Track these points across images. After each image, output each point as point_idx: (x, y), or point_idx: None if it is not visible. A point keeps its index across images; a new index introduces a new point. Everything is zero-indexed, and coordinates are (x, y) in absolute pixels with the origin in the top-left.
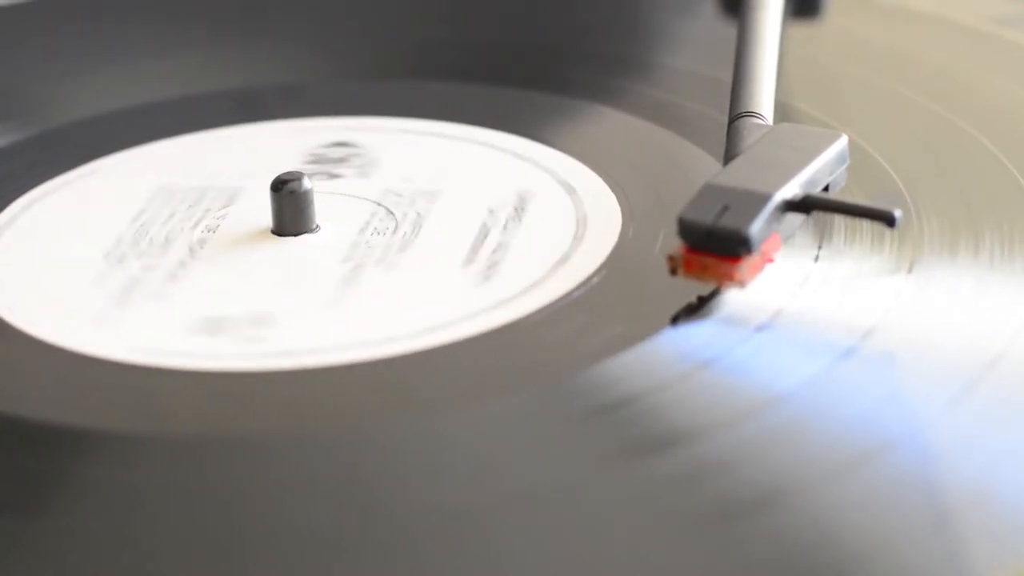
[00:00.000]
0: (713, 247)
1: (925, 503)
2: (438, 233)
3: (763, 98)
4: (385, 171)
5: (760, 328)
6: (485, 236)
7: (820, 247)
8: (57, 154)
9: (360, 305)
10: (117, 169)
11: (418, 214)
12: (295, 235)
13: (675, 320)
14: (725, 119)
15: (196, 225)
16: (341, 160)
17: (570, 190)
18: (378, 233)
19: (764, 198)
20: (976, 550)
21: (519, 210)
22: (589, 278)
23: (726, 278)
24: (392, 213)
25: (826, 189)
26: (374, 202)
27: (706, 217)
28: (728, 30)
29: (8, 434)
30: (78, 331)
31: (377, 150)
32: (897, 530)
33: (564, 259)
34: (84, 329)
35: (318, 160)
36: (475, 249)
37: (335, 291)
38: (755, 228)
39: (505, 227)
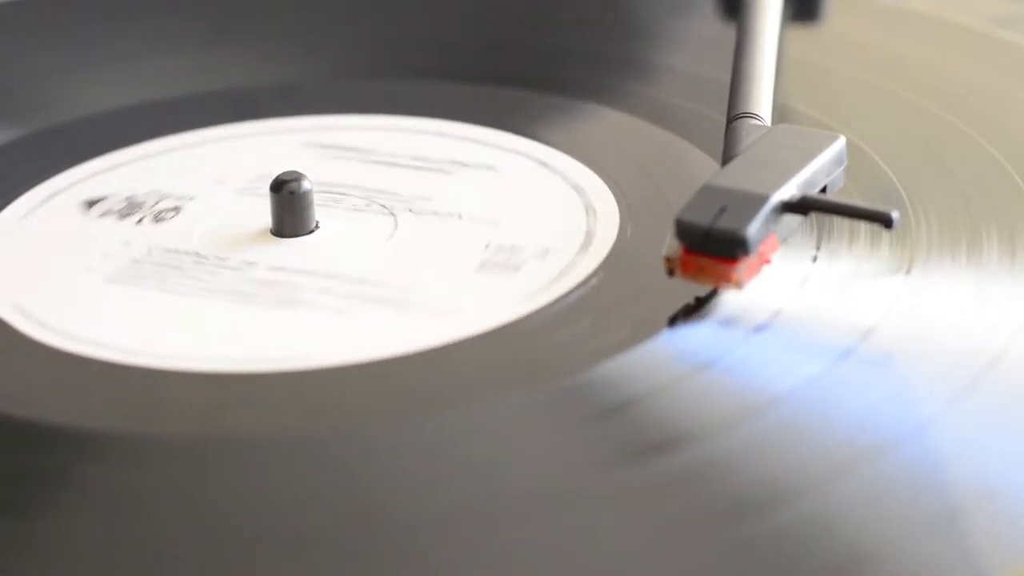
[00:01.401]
0: (711, 248)
1: (925, 503)
2: (437, 234)
3: (761, 99)
4: (386, 172)
5: (759, 329)
6: (486, 239)
7: (819, 248)
8: (57, 153)
9: (360, 304)
10: (119, 168)
11: (417, 215)
12: (294, 236)
13: (673, 321)
14: (724, 120)
15: (196, 223)
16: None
17: (574, 189)
18: (376, 234)
19: (762, 199)
20: (977, 550)
21: (519, 212)
22: (588, 278)
23: (723, 279)
24: (392, 214)
25: (824, 190)
26: (377, 203)
27: (704, 218)
28: (727, 31)
29: (8, 434)
30: (79, 331)
31: (378, 153)
32: (897, 530)
33: (569, 264)
34: (85, 329)
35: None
36: (474, 250)
37: (334, 291)
38: (752, 229)
39: (505, 228)
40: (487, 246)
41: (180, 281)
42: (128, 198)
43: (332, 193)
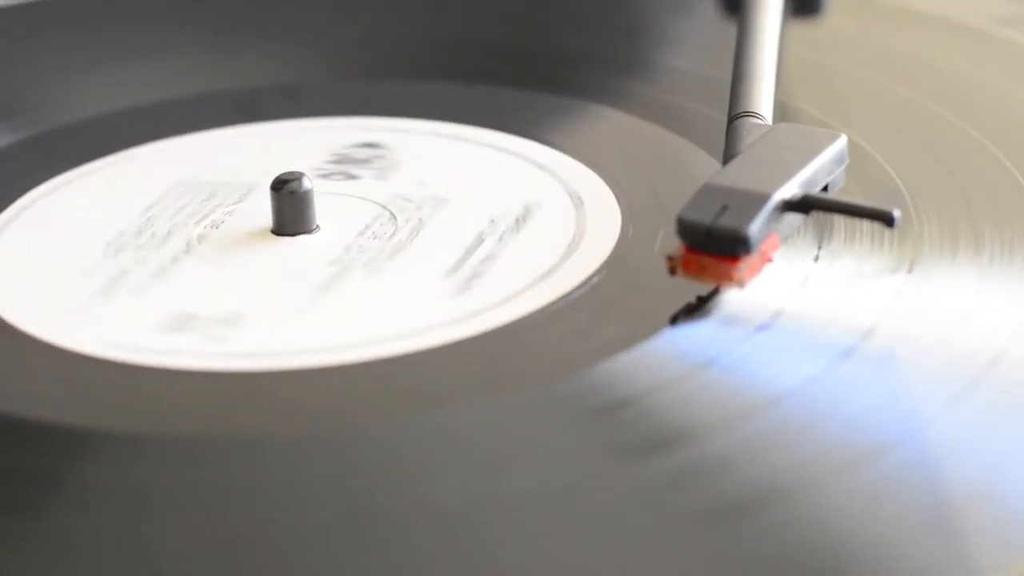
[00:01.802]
0: (712, 247)
1: (925, 503)
2: (436, 235)
3: (762, 98)
4: (402, 174)
5: (760, 328)
6: (484, 237)
7: (820, 247)
8: (58, 154)
9: (359, 304)
10: (121, 167)
11: (420, 219)
12: (294, 235)
13: (674, 320)
14: (725, 119)
15: (200, 221)
16: (364, 161)
17: (575, 196)
18: (375, 237)
19: (763, 198)
20: (976, 549)
21: (519, 213)
22: (589, 278)
23: (725, 278)
24: (394, 216)
25: (825, 189)
26: (381, 205)
27: (705, 217)
28: (728, 30)
29: (8, 434)
30: (79, 331)
31: (400, 152)
32: (897, 530)
33: (563, 259)
34: (85, 329)
35: (342, 160)
36: (467, 255)
37: (336, 289)
38: (754, 228)
39: (505, 229)
40: (487, 246)
41: (179, 279)
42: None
43: (343, 195)
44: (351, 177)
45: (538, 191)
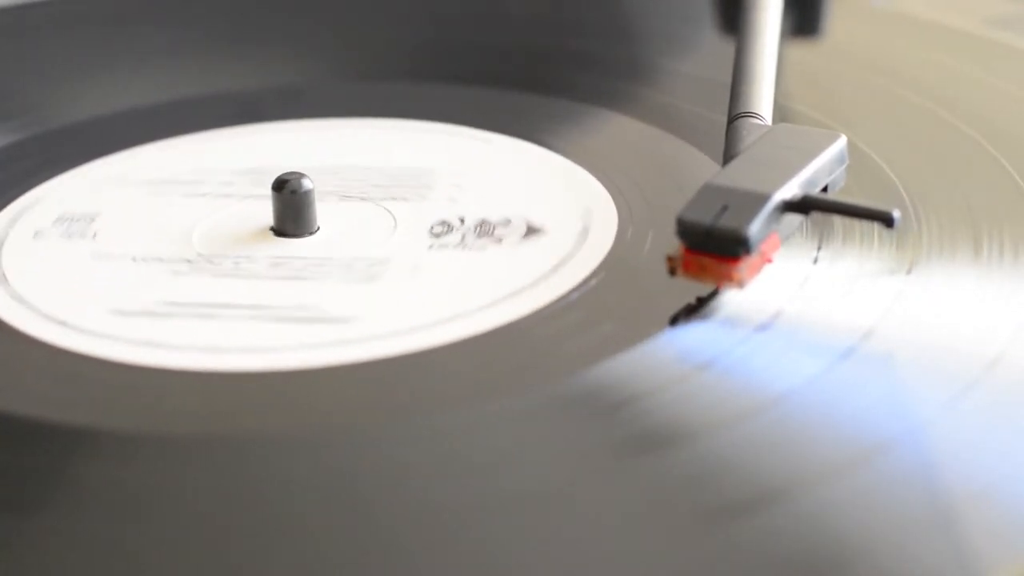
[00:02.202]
0: (712, 247)
1: (925, 503)
2: (435, 234)
3: (762, 98)
4: (388, 175)
5: (760, 328)
6: (484, 238)
7: (820, 248)
8: (57, 155)
9: (360, 304)
10: (119, 168)
11: (416, 215)
12: (296, 235)
13: (674, 321)
14: (724, 121)
15: (199, 223)
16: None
17: (574, 190)
18: (380, 234)
19: (763, 198)
20: (976, 550)
21: (519, 211)
22: (588, 279)
23: (725, 278)
24: (392, 214)
25: (825, 189)
26: (375, 203)
27: (705, 217)
28: (728, 39)
29: (8, 434)
30: (78, 331)
31: (381, 155)
32: (897, 530)
33: (563, 260)
34: (84, 329)
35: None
36: (473, 251)
37: (336, 290)
38: (754, 228)
39: (504, 228)
40: (486, 245)
41: (181, 278)
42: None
43: (335, 194)
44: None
45: (538, 194)
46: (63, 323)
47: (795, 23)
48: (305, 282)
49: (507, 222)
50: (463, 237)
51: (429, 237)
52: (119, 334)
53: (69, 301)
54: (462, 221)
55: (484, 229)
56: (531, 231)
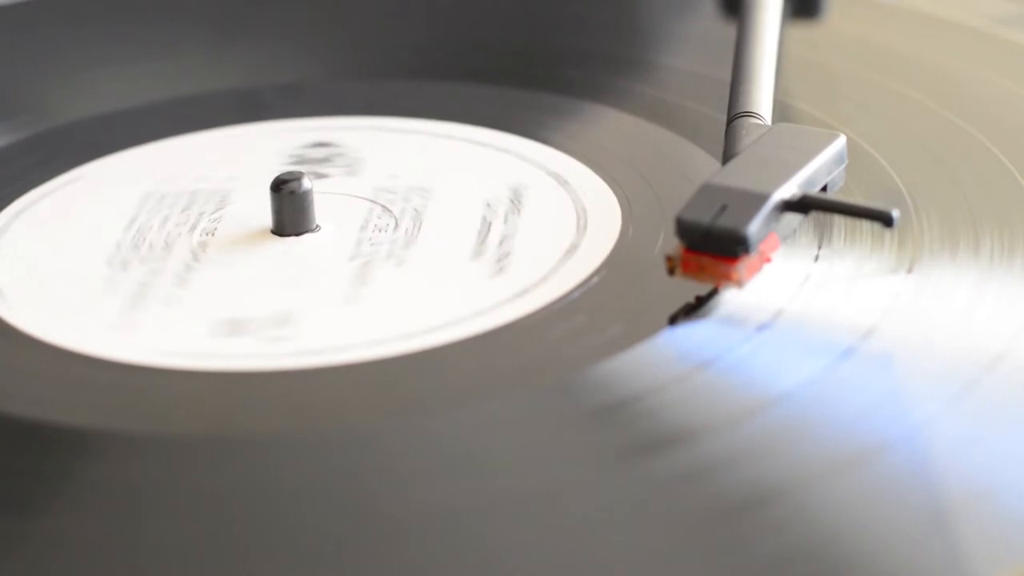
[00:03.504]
0: (711, 247)
1: (925, 503)
2: (434, 234)
3: (762, 98)
4: (373, 169)
5: (760, 328)
6: (485, 236)
7: (820, 247)
8: (57, 154)
9: (360, 305)
10: (114, 171)
11: (416, 211)
12: (296, 235)
13: (673, 320)
14: (724, 119)
15: (193, 228)
16: (324, 160)
17: (566, 186)
18: (379, 231)
19: (762, 198)
20: (976, 550)
21: (520, 211)
22: (589, 278)
23: (724, 278)
24: (390, 210)
25: (824, 189)
26: (369, 200)
27: (704, 217)
28: (728, 30)
29: (8, 434)
30: (77, 331)
31: (359, 149)
32: (897, 530)
33: (564, 259)
34: (83, 328)
35: (300, 161)
36: (474, 250)
37: (335, 291)
38: (753, 228)
39: (505, 229)
40: (485, 245)
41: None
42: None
43: (325, 192)
44: (320, 176)
45: (538, 191)
46: (62, 324)
47: (796, 6)
48: (313, 281)
49: (505, 219)
50: (460, 235)
51: (428, 236)
52: (118, 335)
53: (68, 302)
54: (456, 217)
55: (483, 228)
56: (531, 230)
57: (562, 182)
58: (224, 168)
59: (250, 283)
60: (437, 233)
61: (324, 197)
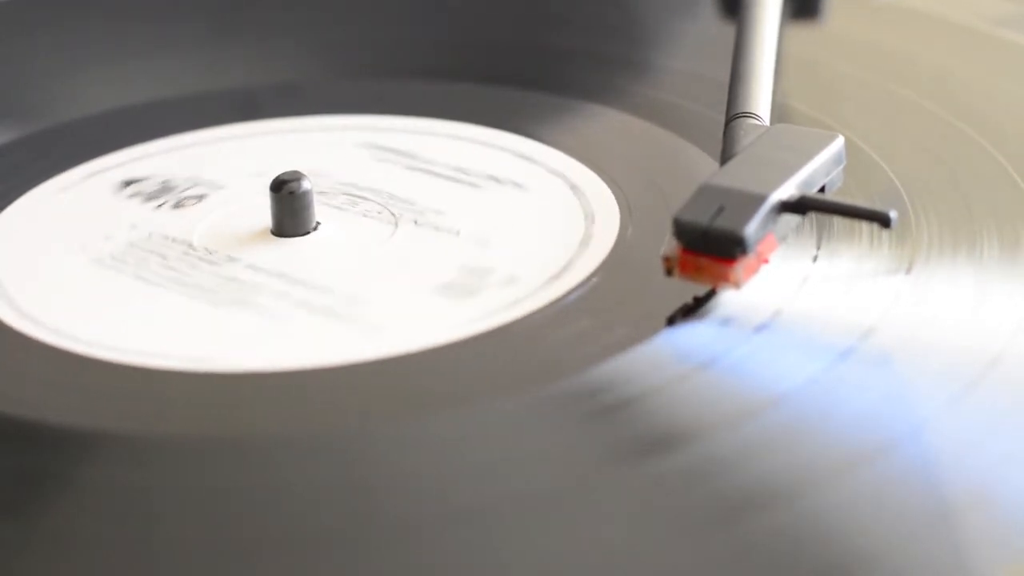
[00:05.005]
0: (709, 248)
1: (925, 503)
2: (437, 234)
3: (760, 99)
4: (387, 174)
5: (759, 328)
6: (484, 238)
7: (819, 247)
8: (57, 153)
9: (360, 304)
10: (118, 168)
11: (418, 214)
12: (295, 235)
13: (671, 321)
14: (723, 119)
15: (195, 225)
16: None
17: (565, 186)
18: (378, 233)
19: (760, 199)
20: (976, 550)
21: (520, 211)
22: (588, 279)
23: (722, 279)
24: (392, 214)
25: (822, 190)
26: (374, 202)
27: (702, 218)
28: (727, 30)
29: (8, 434)
30: (78, 331)
31: (380, 153)
32: (897, 530)
33: (562, 261)
34: (84, 329)
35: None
36: (473, 252)
37: (335, 291)
38: (751, 229)
39: (505, 229)
40: (485, 243)
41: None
42: (164, 182)
43: (337, 194)
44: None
45: (537, 191)
46: (62, 323)
47: (795, 7)
48: (307, 283)
49: (504, 219)
50: (462, 237)
51: (427, 237)
52: (120, 334)
53: (67, 303)
54: (459, 219)
55: (483, 227)
56: (531, 228)
57: (561, 182)
58: (233, 166)
59: (244, 284)
60: (437, 233)
61: (332, 198)
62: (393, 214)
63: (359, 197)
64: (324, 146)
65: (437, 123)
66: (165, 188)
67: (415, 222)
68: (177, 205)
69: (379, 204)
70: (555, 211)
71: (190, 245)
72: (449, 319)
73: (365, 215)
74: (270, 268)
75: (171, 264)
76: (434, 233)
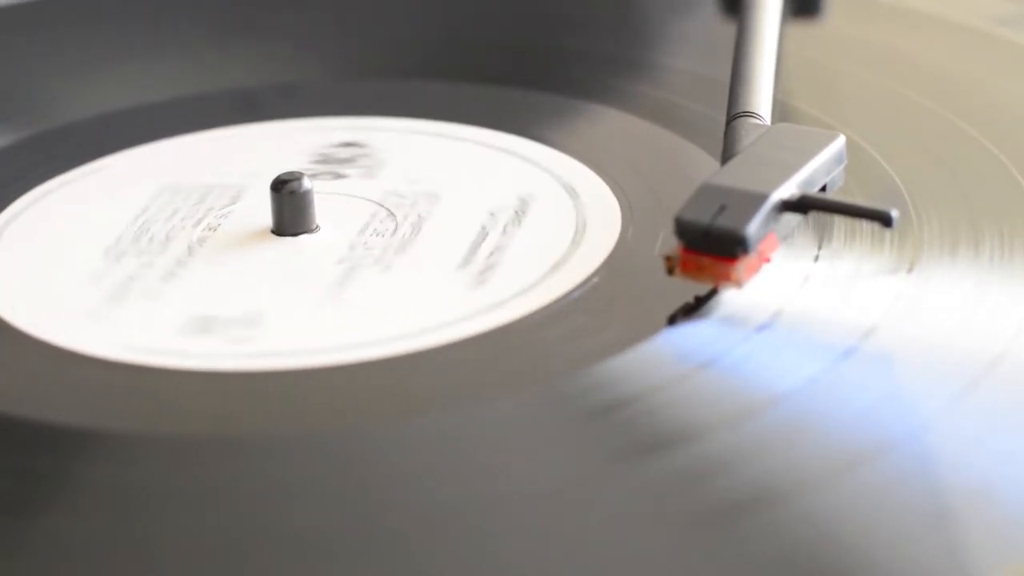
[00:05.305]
0: (710, 247)
1: (925, 503)
2: (437, 234)
3: (761, 98)
4: (390, 172)
5: (760, 328)
6: (484, 237)
7: (820, 247)
8: (57, 154)
9: (359, 305)
10: (119, 168)
11: (419, 216)
12: (295, 235)
13: (672, 320)
14: (724, 119)
15: (198, 224)
16: (348, 160)
17: (571, 192)
18: (377, 234)
19: (761, 198)
20: (976, 550)
21: (519, 211)
22: (589, 278)
23: (723, 278)
24: (393, 214)
25: (823, 189)
26: (376, 203)
27: (703, 217)
28: (728, 30)
29: (8, 434)
30: (79, 331)
31: (385, 151)
32: (897, 530)
33: (564, 260)
34: (85, 329)
35: (325, 160)
36: (473, 250)
37: (330, 291)
38: (752, 228)
39: (505, 228)
40: (486, 247)
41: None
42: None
43: (336, 194)
44: (339, 176)
45: (537, 192)
46: (63, 324)
47: (796, 5)
48: (298, 282)
49: (507, 220)
50: (462, 237)
51: (431, 236)
52: (117, 334)
53: (67, 303)
54: (459, 219)
55: (483, 228)
56: (530, 231)
57: (562, 183)
58: (241, 165)
59: (233, 282)
60: (436, 233)
61: (335, 198)
62: (393, 214)
63: (359, 198)
64: (324, 147)
65: (437, 124)
66: (166, 188)
67: (415, 222)
68: (177, 205)
69: (379, 204)
70: (555, 211)
71: (191, 244)
72: (448, 319)
73: (365, 215)
74: (270, 268)
75: (171, 263)
76: (433, 233)
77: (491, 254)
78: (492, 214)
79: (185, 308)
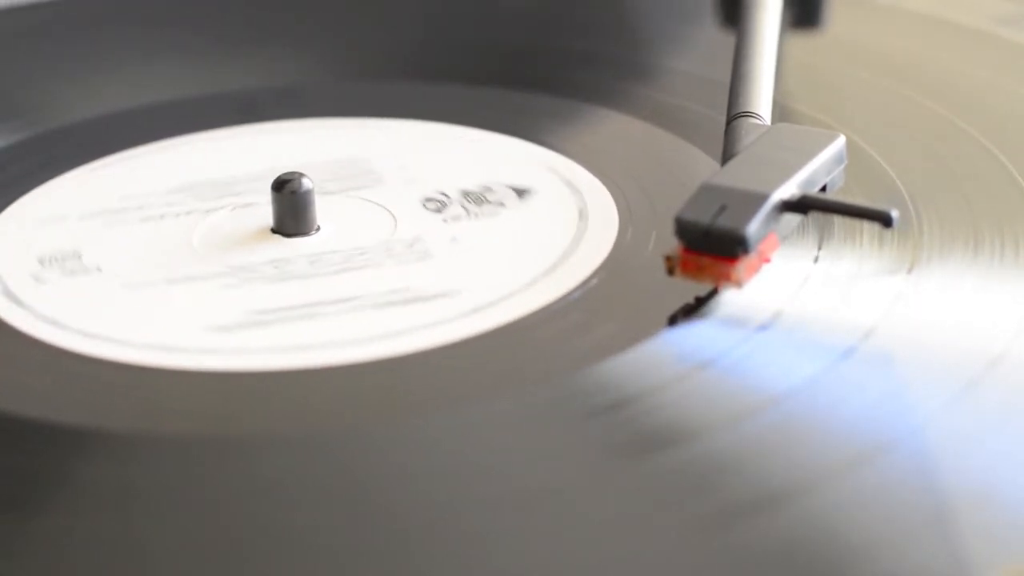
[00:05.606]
0: (710, 247)
1: (925, 503)
2: (437, 235)
3: (761, 98)
4: (387, 174)
5: (760, 328)
6: (484, 237)
7: (820, 247)
8: (57, 154)
9: (358, 305)
10: (122, 168)
11: (419, 216)
12: (295, 235)
13: (672, 321)
14: (724, 121)
15: (198, 223)
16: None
17: (571, 192)
18: (377, 234)
19: (761, 198)
20: (976, 550)
21: (520, 212)
22: (588, 279)
23: (723, 278)
24: (391, 214)
25: (824, 189)
26: (376, 204)
27: (703, 217)
28: (728, 33)
29: (8, 434)
30: (79, 331)
31: (380, 154)
32: (897, 530)
33: (564, 260)
34: (85, 329)
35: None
36: (472, 252)
37: (330, 291)
38: (752, 228)
39: (504, 228)
40: (484, 243)
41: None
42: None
43: (336, 193)
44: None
45: (537, 193)
46: (64, 324)
47: (796, 15)
48: (304, 281)
49: (504, 219)
50: (462, 237)
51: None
52: (120, 333)
53: (67, 302)
54: (459, 219)
55: (483, 227)
56: (530, 230)
57: (562, 183)
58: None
59: (243, 283)
60: (436, 233)
61: (335, 198)
62: (392, 214)
63: (359, 198)
64: (324, 146)
65: (437, 126)
66: (166, 188)
67: (414, 222)
68: (178, 204)
69: (378, 204)
70: (555, 212)
71: (191, 245)
72: (447, 319)
73: (365, 215)
74: (270, 267)
75: (172, 263)
76: (433, 233)
77: (491, 254)
78: (492, 215)
79: (185, 308)
